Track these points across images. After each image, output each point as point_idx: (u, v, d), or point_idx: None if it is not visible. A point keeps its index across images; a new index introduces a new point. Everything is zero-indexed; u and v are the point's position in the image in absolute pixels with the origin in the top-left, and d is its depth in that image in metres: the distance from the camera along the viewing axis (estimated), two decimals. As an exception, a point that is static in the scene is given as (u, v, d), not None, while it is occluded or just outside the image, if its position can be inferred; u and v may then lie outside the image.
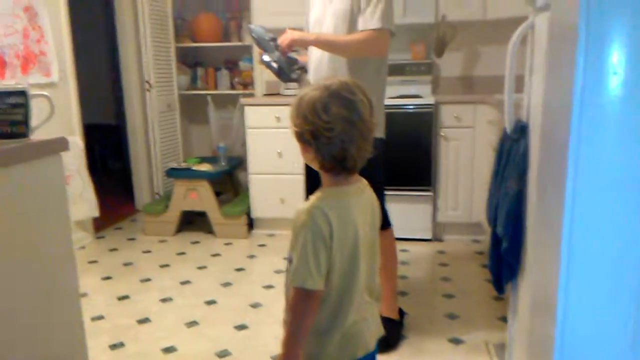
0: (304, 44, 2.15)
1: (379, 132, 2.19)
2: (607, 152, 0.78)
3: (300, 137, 1.13)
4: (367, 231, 1.19)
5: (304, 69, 2.26)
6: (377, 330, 1.26)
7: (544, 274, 1.01)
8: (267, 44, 2.14)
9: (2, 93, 1.31)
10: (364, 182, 1.23)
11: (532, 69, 1.32)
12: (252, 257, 3.41)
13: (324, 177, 1.18)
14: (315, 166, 1.16)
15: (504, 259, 1.44)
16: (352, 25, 2.10)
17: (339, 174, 1.15)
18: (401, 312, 2.39)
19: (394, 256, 2.37)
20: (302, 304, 1.13)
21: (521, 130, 1.34)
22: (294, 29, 2.15)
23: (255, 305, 2.66)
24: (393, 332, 2.26)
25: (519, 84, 1.42)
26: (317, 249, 1.09)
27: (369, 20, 2.05)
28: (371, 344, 1.23)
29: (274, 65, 2.13)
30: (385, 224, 2.24)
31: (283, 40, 2.09)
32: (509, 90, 1.39)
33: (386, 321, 2.17)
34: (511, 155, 1.37)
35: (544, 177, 1.06)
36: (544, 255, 1.04)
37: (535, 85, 1.26)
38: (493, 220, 1.47)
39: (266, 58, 2.13)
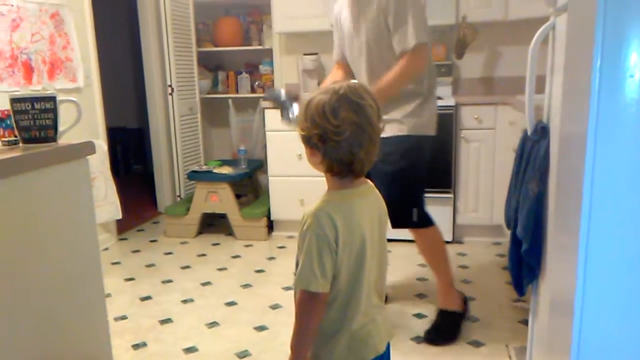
0: None
1: (430, 130, 2.28)
2: (624, 154, 0.78)
3: (307, 141, 1.13)
4: (374, 233, 1.18)
5: None
6: (387, 333, 1.26)
7: (563, 276, 1.01)
8: (283, 103, 2.28)
9: (32, 98, 1.35)
10: (370, 184, 1.23)
11: (552, 70, 1.32)
12: (271, 258, 3.44)
13: (330, 180, 1.18)
14: (321, 170, 1.16)
15: (524, 261, 1.43)
16: (386, 38, 2.17)
17: (345, 177, 1.15)
18: (465, 300, 2.44)
19: (440, 251, 2.39)
20: (307, 306, 1.14)
21: (542, 131, 1.33)
22: None
23: (274, 307, 2.68)
24: (447, 323, 2.32)
25: (540, 85, 1.41)
26: (322, 252, 1.09)
27: (403, 42, 2.12)
28: (381, 346, 1.22)
29: (292, 117, 2.25)
30: (427, 222, 2.32)
31: None
32: (529, 91, 1.39)
33: (445, 314, 2.35)
34: (532, 156, 1.36)
35: (563, 178, 1.05)
36: (562, 257, 1.04)
37: (556, 86, 1.25)
38: (513, 221, 1.46)
39: (285, 117, 2.28)
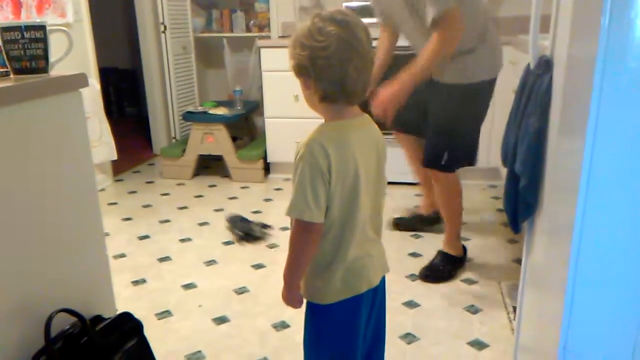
0: (402, 92, 2.13)
1: (485, 74, 2.27)
2: (631, 99, 0.76)
3: (299, 69, 1.11)
4: (370, 166, 1.17)
5: (269, 227, 2.90)
6: (381, 267, 1.28)
7: (561, 211, 1.01)
8: (239, 225, 2.87)
9: (21, 27, 1.30)
10: (367, 117, 1.21)
11: (559, 5, 1.27)
12: (268, 200, 3.46)
13: (325, 112, 1.16)
14: (315, 102, 1.14)
15: (521, 197, 1.43)
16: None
17: (338, 101, 1.12)
18: (464, 250, 2.50)
19: (456, 201, 2.44)
20: (301, 236, 1.15)
21: (545, 64, 1.30)
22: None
23: (272, 246, 2.71)
24: (446, 265, 2.40)
25: (544, 25, 1.38)
26: (315, 182, 1.09)
27: (435, 6, 2.03)
28: (375, 279, 1.24)
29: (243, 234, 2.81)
30: (452, 168, 2.35)
31: (378, 106, 2.12)
32: (534, 22, 1.35)
33: (444, 255, 2.44)
34: (533, 91, 1.33)
35: (567, 113, 1.03)
36: (562, 192, 1.04)
37: (562, 22, 1.22)
38: (511, 157, 1.46)
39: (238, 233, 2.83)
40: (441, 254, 2.45)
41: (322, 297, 1.20)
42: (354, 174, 1.13)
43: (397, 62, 3.37)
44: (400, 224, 2.88)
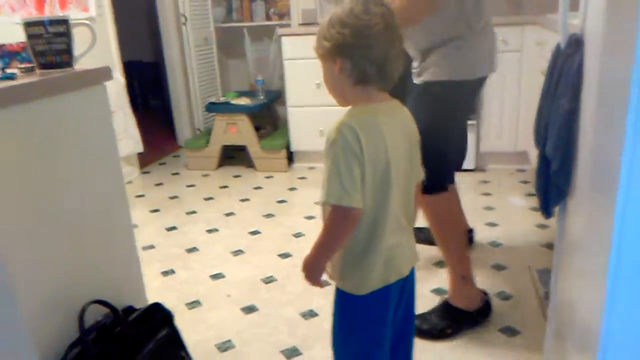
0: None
1: (466, 73, 1.78)
2: None
3: (336, 48, 1.08)
4: (400, 152, 1.14)
5: None
6: (412, 257, 1.25)
7: (601, 197, 0.97)
8: None
9: (45, 21, 1.31)
10: (397, 102, 1.18)
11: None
12: (292, 189, 3.46)
13: (356, 96, 1.12)
14: (348, 85, 1.11)
15: (553, 181, 1.40)
16: None
17: (374, 83, 1.10)
18: (485, 302, 1.92)
19: (450, 224, 1.91)
20: (339, 223, 1.10)
21: (576, 43, 1.26)
22: None
23: (297, 235, 2.72)
24: (442, 320, 1.87)
25: (573, 3, 1.33)
26: (350, 165, 1.05)
27: None
28: (405, 270, 1.22)
29: None
30: (436, 188, 1.80)
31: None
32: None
33: (444, 306, 1.88)
34: (564, 71, 1.29)
35: (604, 93, 0.99)
36: (600, 176, 1.00)
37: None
38: (542, 140, 1.41)
39: None
40: (443, 303, 1.92)
41: (357, 288, 1.18)
42: (384, 159, 1.10)
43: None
44: (419, 236, 2.04)
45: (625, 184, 0.78)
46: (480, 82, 1.87)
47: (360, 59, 1.07)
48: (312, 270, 1.19)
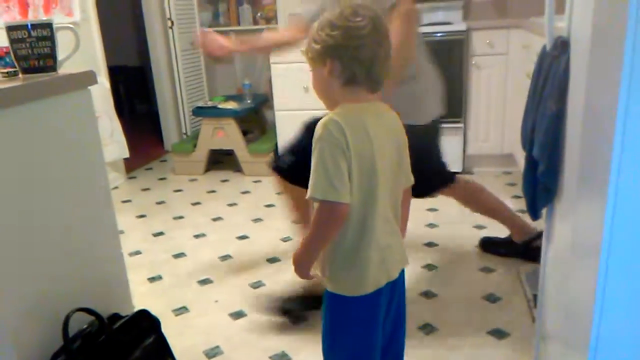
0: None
1: (416, 117, 1.84)
2: None
3: (325, 51, 1.09)
4: (387, 153, 1.14)
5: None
6: (401, 259, 1.25)
7: (591, 198, 0.97)
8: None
9: (28, 25, 1.29)
10: (385, 105, 1.19)
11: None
12: (281, 193, 3.43)
13: (344, 97, 1.13)
14: (336, 87, 1.11)
15: (540, 183, 1.40)
16: None
17: (362, 85, 1.11)
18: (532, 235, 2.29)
19: (482, 199, 2.37)
20: (326, 219, 1.10)
21: (562, 45, 1.26)
22: None
23: (286, 240, 2.70)
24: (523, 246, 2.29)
25: (558, 6, 1.33)
26: (337, 159, 1.05)
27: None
28: (394, 272, 1.21)
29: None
30: (445, 182, 2.17)
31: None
32: (550, 1, 1.31)
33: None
34: (551, 73, 1.30)
35: (593, 95, 0.99)
36: (591, 178, 1.00)
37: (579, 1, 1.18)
38: (529, 142, 1.42)
39: None
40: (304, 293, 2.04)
41: (350, 289, 1.17)
42: (370, 157, 1.10)
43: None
44: (486, 246, 2.46)
45: (614, 184, 0.78)
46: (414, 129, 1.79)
47: (349, 60, 1.08)
48: (301, 266, 1.20)
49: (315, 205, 1.10)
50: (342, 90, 1.12)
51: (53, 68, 1.36)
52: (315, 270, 1.21)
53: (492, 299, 2.07)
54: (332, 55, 1.09)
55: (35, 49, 1.31)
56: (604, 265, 0.82)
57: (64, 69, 1.41)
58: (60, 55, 1.38)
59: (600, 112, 0.91)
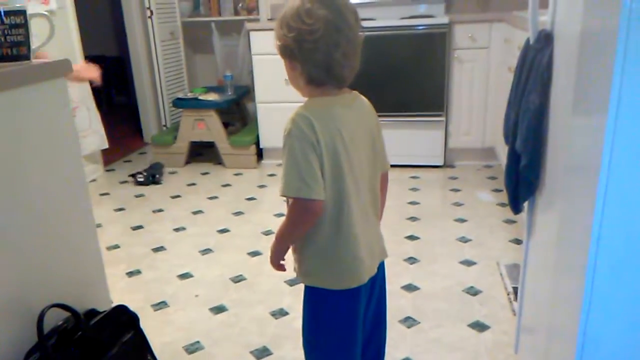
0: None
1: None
2: None
3: (284, 50, 1.08)
4: (360, 144, 1.12)
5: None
6: (380, 253, 1.24)
7: (579, 191, 0.97)
8: None
9: (0, 12, 1.24)
10: (355, 93, 1.17)
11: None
12: (262, 186, 3.41)
13: (311, 93, 1.12)
14: (301, 83, 1.10)
15: (522, 176, 1.40)
16: None
17: (325, 85, 1.09)
18: None
19: None
20: (299, 216, 1.10)
21: (545, 38, 1.26)
22: None
23: (267, 233, 2.68)
24: None
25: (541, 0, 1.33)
26: (307, 155, 1.03)
27: None
28: (373, 266, 1.21)
29: None
30: None
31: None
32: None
33: None
34: (534, 66, 1.30)
35: (581, 88, 0.99)
36: (577, 172, 1.00)
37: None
38: (512, 135, 1.42)
39: None
40: None
41: (327, 283, 1.16)
42: (342, 149, 1.08)
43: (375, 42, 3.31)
44: None
45: (605, 178, 0.77)
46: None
47: (305, 62, 1.06)
48: (274, 258, 1.21)
49: (291, 201, 1.09)
50: (308, 87, 1.11)
51: (27, 57, 1.31)
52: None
53: (472, 291, 2.08)
54: (289, 56, 1.08)
55: (8, 37, 1.26)
56: (593, 255, 0.81)
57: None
58: (34, 44, 1.34)
59: (591, 107, 0.91)
